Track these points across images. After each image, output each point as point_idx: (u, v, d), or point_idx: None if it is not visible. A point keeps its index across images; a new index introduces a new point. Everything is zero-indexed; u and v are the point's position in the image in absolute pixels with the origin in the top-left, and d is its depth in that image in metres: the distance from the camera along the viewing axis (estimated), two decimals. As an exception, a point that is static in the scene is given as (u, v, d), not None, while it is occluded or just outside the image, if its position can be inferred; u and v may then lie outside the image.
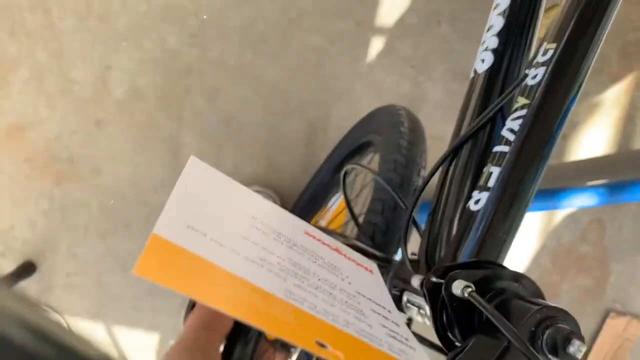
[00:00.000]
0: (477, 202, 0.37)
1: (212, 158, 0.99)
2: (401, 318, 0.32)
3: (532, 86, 0.38)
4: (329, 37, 0.97)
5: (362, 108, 0.93)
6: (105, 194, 0.99)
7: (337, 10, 0.96)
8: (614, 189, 1.00)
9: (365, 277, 0.33)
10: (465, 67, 0.97)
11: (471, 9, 0.97)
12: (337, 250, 0.33)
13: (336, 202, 0.82)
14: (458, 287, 0.28)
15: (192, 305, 0.91)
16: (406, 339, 0.28)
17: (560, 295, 1.07)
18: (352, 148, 0.82)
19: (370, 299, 0.30)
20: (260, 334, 0.67)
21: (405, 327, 0.31)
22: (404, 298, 0.37)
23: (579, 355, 0.25)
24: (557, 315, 0.27)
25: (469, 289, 0.28)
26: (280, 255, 0.27)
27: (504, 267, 0.32)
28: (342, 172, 0.52)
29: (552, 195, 0.99)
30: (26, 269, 0.99)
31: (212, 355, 0.80)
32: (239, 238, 0.26)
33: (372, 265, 0.36)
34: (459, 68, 0.99)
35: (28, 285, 1.00)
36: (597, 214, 1.05)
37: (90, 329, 1.03)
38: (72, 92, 0.95)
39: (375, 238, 0.53)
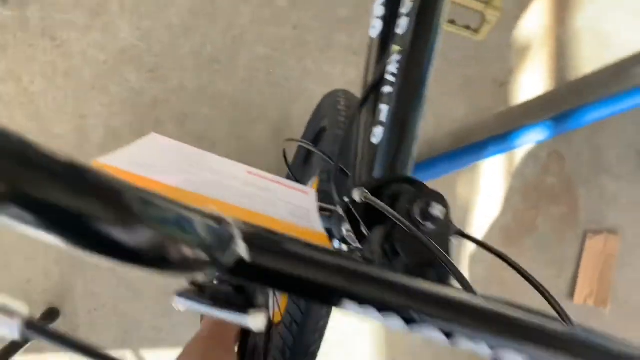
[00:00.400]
0: (375, 135, 0.45)
1: (194, 176, 1.08)
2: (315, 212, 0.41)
3: (401, 35, 0.47)
4: (272, 45, 1.06)
5: (317, 101, 1.02)
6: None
7: (273, 20, 1.06)
8: (561, 119, 1.08)
9: (297, 194, 0.41)
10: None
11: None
12: (276, 182, 0.41)
13: (310, 186, 0.91)
14: (357, 194, 0.37)
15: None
16: (308, 214, 0.37)
17: (538, 228, 1.15)
18: (312, 138, 0.91)
19: (289, 196, 0.38)
20: (271, 324, 0.75)
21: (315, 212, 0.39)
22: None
23: (441, 215, 0.34)
24: (427, 194, 0.35)
25: (364, 194, 0.36)
26: (206, 176, 0.35)
27: (407, 180, 0.40)
28: (282, 150, 0.61)
29: (506, 138, 1.07)
30: (51, 315, 1.08)
31: (226, 344, 0.89)
32: (175, 167, 0.34)
33: (310, 190, 0.45)
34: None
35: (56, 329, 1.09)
36: (553, 146, 1.14)
37: (120, 356, 1.11)
38: (56, 147, 1.04)
39: (327, 201, 0.62)
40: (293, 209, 0.36)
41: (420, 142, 1.08)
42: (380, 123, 0.45)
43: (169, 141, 0.37)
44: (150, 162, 0.34)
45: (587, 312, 1.17)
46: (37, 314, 1.07)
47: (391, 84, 0.46)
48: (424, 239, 0.31)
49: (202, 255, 0.21)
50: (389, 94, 0.46)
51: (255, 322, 0.25)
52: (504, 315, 0.26)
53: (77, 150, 1.05)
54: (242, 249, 0.22)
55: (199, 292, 0.27)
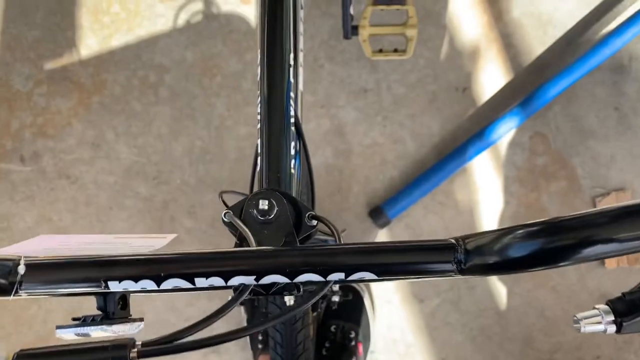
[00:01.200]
0: (258, 165, 0.54)
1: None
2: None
3: (258, 80, 0.57)
4: (250, 123, 1.19)
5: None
6: (156, 325, 1.19)
7: (244, 101, 1.19)
8: (528, 101, 1.14)
9: (151, 241, 0.45)
10: (357, 86, 1.17)
11: (336, 41, 1.19)
12: (137, 237, 0.46)
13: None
14: (224, 215, 0.46)
15: (259, 354, 1.08)
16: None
17: (545, 207, 1.18)
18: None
19: (139, 243, 0.45)
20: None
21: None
22: None
23: (265, 207, 0.43)
24: (256, 195, 0.44)
25: (227, 213, 0.45)
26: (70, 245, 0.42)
27: (270, 190, 0.47)
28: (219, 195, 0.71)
29: (482, 135, 1.14)
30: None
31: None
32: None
33: (170, 236, 0.49)
34: (354, 88, 1.19)
35: None
36: (532, 128, 1.19)
37: None
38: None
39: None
40: (134, 249, 0.44)
41: (408, 164, 1.16)
42: (259, 154, 0.55)
43: (53, 237, 0.43)
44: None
45: (624, 274, 1.17)
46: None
47: (259, 121, 0.56)
48: (251, 240, 0.41)
49: None
50: (259, 129, 0.55)
51: (132, 328, 0.36)
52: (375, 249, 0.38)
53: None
54: (21, 271, 0.35)
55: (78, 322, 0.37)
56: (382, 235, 1.18)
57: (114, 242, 0.45)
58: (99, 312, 0.40)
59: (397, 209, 1.15)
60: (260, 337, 1.09)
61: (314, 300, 0.40)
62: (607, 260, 1.17)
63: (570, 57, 1.17)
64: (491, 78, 1.20)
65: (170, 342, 0.37)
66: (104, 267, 0.37)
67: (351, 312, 1.13)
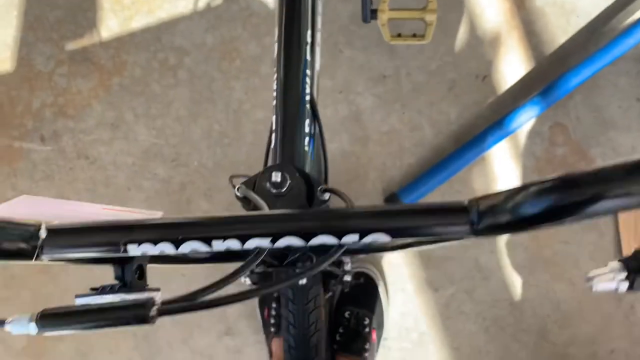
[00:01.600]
0: (272, 142, 0.55)
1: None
2: None
3: (274, 58, 0.57)
4: (268, 107, 1.19)
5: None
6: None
7: (262, 85, 1.19)
8: (549, 90, 1.13)
9: (140, 215, 0.47)
10: (376, 72, 1.16)
11: (355, 27, 1.18)
12: (125, 210, 0.48)
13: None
14: (237, 189, 0.46)
15: (271, 337, 1.08)
16: None
17: (563, 198, 1.17)
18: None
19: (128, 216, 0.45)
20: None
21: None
22: None
23: (278, 179, 0.43)
24: (269, 168, 0.45)
25: (240, 187, 0.46)
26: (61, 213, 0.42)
27: (276, 167, 0.48)
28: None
29: (502, 123, 1.13)
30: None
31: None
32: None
33: (158, 213, 0.50)
34: (373, 74, 1.18)
35: (149, 410, 1.20)
36: (552, 118, 1.17)
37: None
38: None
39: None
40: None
41: (425, 151, 1.16)
42: (273, 131, 0.54)
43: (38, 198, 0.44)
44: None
45: (642, 267, 1.15)
46: (131, 399, 1.18)
47: (274, 98, 0.56)
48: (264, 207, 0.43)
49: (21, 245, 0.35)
50: (274, 105, 0.55)
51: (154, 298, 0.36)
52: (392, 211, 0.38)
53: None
54: (42, 235, 0.36)
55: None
56: (398, 223, 1.18)
57: (102, 213, 0.46)
58: (117, 282, 0.41)
59: (413, 196, 1.14)
60: (272, 321, 1.09)
61: (329, 262, 0.40)
62: (624, 253, 1.16)
63: (593, 46, 1.15)
64: (512, 66, 1.18)
65: (190, 301, 0.37)
66: (123, 231, 0.37)
67: (366, 299, 1.13)
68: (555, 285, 1.17)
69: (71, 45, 1.21)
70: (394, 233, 0.36)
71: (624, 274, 0.33)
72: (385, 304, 1.15)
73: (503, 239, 1.17)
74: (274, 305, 1.10)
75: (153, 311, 0.35)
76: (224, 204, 1.19)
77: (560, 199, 0.31)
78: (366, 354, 1.07)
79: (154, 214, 0.46)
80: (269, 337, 1.10)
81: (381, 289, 1.14)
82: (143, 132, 1.19)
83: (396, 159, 1.18)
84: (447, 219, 0.36)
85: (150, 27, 1.21)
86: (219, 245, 0.37)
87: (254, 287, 0.50)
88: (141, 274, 0.42)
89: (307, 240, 0.37)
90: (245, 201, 0.46)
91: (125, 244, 0.36)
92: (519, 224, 0.33)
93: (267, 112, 1.19)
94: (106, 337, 1.20)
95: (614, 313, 1.17)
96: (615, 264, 0.33)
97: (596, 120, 1.17)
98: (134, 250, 0.37)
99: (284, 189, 0.45)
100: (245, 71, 1.19)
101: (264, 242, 0.37)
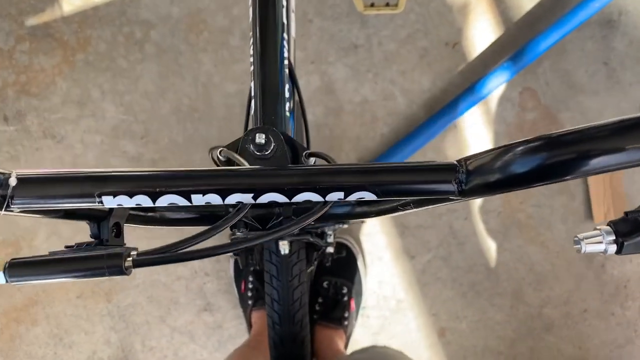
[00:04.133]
0: (252, 108, 0.53)
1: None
2: None
3: (250, 21, 0.56)
4: (238, 80, 1.17)
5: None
6: (148, 287, 1.18)
7: (232, 58, 1.17)
8: (518, 55, 1.13)
9: None
10: (348, 42, 1.15)
11: (331, 1, 1.17)
12: None
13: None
14: (219, 152, 0.44)
15: (250, 310, 1.08)
16: None
17: (535, 163, 1.19)
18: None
19: None
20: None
21: None
22: None
23: (262, 140, 0.42)
24: (252, 130, 0.43)
25: (222, 150, 0.43)
26: None
27: (264, 128, 0.46)
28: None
29: (473, 89, 1.13)
30: (121, 378, 1.18)
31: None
32: None
33: None
34: (344, 44, 1.17)
35: (129, 390, 1.18)
36: (521, 83, 1.19)
37: (192, 398, 1.20)
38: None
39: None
40: None
41: (398, 120, 1.16)
42: (252, 97, 0.53)
43: None
44: None
45: (612, 227, 1.18)
46: (110, 380, 1.17)
47: (252, 63, 0.54)
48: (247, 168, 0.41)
49: None
50: (252, 71, 0.54)
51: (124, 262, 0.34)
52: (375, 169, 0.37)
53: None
54: (12, 183, 0.34)
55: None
56: (373, 193, 1.18)
57: None
58: (93, 240, 0.39)
59: (388, 165, 1.14)
60: (249, 294, 1.08)
61: (312, 219, 0.39)
62: (595, 215, 1.18)
63: (560, 11, 1.16)
64: (482, 33, 1.19)
65: (166, 253, 0.36)
66: (98, 181, 0.35)
67: (344, 269, 1.13)
68: (529, 249, 1.20)
69: (32, 21, 1.17)
70: (379, 191, 0.35)
71: (612, 237, 0.33)
72: (363, 272, 1.15)
73: (477, 204, 1.19)
74: (250, 278, 1.09)
75: (128, 261, 0.33)
76: (198, 180, 1.17)
77: (548, 157, 0.31)
78: (345, 323, 1.07)
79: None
80: (247, 310, 1.10)
81: (359, 259, 1.14)
82: (111, 109, 1.16)
83: (370, 130, 1.18)
84: (435, 176, 0.35)
85: (114, 1, 1.17)
86: (198, 200, 0.36)
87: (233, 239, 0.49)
88: (118, 232, 0.41)
89: (291, 197, 0.36)
90: (228, 164, 0.45)
91: (100, 195, 0.35)
92: (508, 183, 0.33)
93: (239, 85, 1.17)
94: (81, 319, 1.18)
95: (586, 273, 1.20)
96: (604, 227, 0.33)
97: (564, 85, 1.19)
98: (109, 202, 0.35)
99: (268, 151, 0.44)
100: (214, 43, 1.17)
101: (246, 198, 0.36)
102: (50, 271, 0.33)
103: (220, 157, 0.45)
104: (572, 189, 1.20)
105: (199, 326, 1.18)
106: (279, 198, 0.36)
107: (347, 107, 1.18)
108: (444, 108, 1.14)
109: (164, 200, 0.36)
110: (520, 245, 1.20)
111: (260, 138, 0.43)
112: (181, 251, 0.37)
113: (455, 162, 0.35)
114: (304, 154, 0.46)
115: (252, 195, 0.36)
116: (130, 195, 0.35)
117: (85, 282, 1.18)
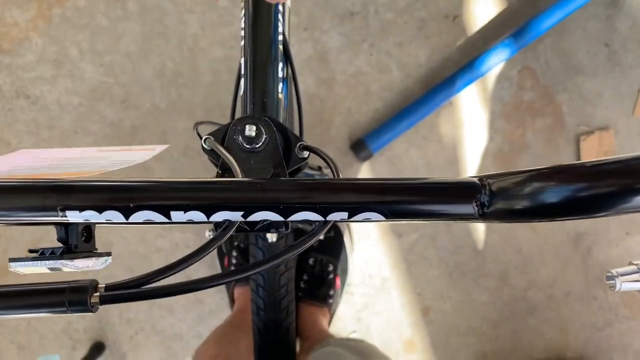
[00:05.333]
0: (241, 87, 0.49)
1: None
2: None
3: None
4: (226, 44, 1.11)
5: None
6: (126, 258, 1.14)
7: (220, 21, 1.10)
8: (519, 33, 1.09)
9: (138, 154, 0.41)
10: (343, 8, 1.09)
11: (324, -40, 1.10)
12: (123, 149, 0.42)
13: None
14: (204, 141, 0.40)
15: (232, 286, 1.04)
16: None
17: (529, 144, 1.16)
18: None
19: (123, 156, 0.39)
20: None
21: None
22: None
23: (253, 133, 0.39)
24: (242, 120, 0.39)
25: (207, 139, 0.39)
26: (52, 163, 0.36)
27: (253, 116, 0.42)
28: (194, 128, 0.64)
29: (471, 66, 1.09)
30: (97, 349, 1.14)
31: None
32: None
33: (158, 147, 0.43)
34: (340, 10, 1.11)
35: (105, 362, 1.15)
36: (521, 62, 1.15)
37: (170, 371, 1.17)
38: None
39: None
40: (113, 163, 0.38)
41: (392, 95, 1.11)
42: (242, 75, 0.48)
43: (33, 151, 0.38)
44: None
45: (601, 212, 1.17)
46: (85, 352, 1.14)
47: (243, 37, 0.49)
48: (238, 170, 0.36)
49: None
50: (242, 47, 0.49)
51: (98, 263, 0.31)
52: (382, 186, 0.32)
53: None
54: None
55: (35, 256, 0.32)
56: (364, 170, 1.14)
57: (95, 157, 0.38)
58: (60, 245, 0.34)
59: (380, 142, 1.11)
60: (233, 268, 1.05)
61: (309, 244, 0.34)
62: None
63: (566, -13, 1.11)
64: (483, 6, 1.14)
65: (138, 287, 0.31)
66: (61, 193, 0.30)
67: (330, 246, 1.10)
68: (518, 232, 1.18)
69: (3, -30, 1.08)
70: (389, 212, 0.31)
71: None
72: (350, 250, 1.13)
73: (481, 226, 1.16)
74: (234, 253, 1.06)
75: (94, 297, 0.29)
76: (181, 149, 1.12)
77: (586, 189, 0.27)
78: (330, 300, 1.05)
79: (156, 149, 0.39)
80: (229, 286, 1.06)
81: (346, 235, 1.12)
82: (89, 69, 1.09)
83: (362, 104, 1.14)
84: (453, 196, 0.31)
85: (94, -48, 1.09)
86: (179, 217, 0.31)
87: (222, 273, 0.44)
88: (89, 236, 0.35)
89: (287, 216, 0.31)
90: (213, 154, 0.40)
91: (63, 210, 0.30)
92: (536, 212, 0.29)
93: (226, 50, 1.11)
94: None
95: (572, 257, 1.19)
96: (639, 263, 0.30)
97: (564, 65, 1.16)
98: (74, 216, 0.30)
99: (259, 144, 0.39)
100: (201, 3, 1.10)
101: (235, 216, 0.31)
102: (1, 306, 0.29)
103: (205, 146, 0.40)
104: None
105: (179, 300, 1.15)
106: (273, 217, 0.31)
107: (340, 79, 1.13)
108: (440, 84, 1.10)
109: (139, 217, 0.31)
110: (509, 227, 1.18)
111: (251, 130, 0.39)
112: (159, 285, 0.31)
113: (477, 181, 0.31)
114: (297, 145, 0.41)
115: (242, 213, 0.31)
116: (100, 211, 0.30)
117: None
